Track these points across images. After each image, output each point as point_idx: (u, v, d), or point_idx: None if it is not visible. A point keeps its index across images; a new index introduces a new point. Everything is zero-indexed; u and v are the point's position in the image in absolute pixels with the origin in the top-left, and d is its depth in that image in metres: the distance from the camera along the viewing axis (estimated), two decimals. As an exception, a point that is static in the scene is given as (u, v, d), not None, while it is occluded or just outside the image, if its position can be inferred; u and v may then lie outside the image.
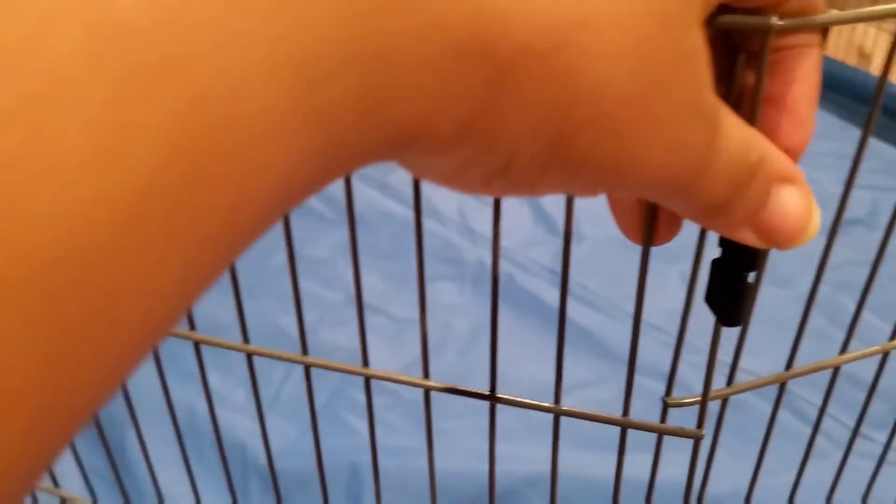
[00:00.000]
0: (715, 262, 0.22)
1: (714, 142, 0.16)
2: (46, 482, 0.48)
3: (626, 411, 0.29)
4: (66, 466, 0.64)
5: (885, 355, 0.33)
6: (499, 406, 0.88)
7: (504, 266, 0.96)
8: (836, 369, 0.32)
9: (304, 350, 0.33)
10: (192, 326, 0.34)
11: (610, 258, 0.96)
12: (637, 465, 0.61)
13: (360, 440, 0.80)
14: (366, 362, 0.32)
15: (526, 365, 0.84)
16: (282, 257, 1.01)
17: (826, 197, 1.09)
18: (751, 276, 0.21)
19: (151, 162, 0.10)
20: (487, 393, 0.30)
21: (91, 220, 0.10)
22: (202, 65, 0.10)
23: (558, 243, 1.00)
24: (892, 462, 0.49)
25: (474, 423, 0.79)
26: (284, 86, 0.11)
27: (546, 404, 0.30)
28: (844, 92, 1.18)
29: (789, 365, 0.30)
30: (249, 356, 0.34)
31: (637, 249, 0.24)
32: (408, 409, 0.83)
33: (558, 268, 0.97)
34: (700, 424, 0.28)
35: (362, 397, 0.86)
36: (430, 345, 1.04)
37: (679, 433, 0.28)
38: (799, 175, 0.19)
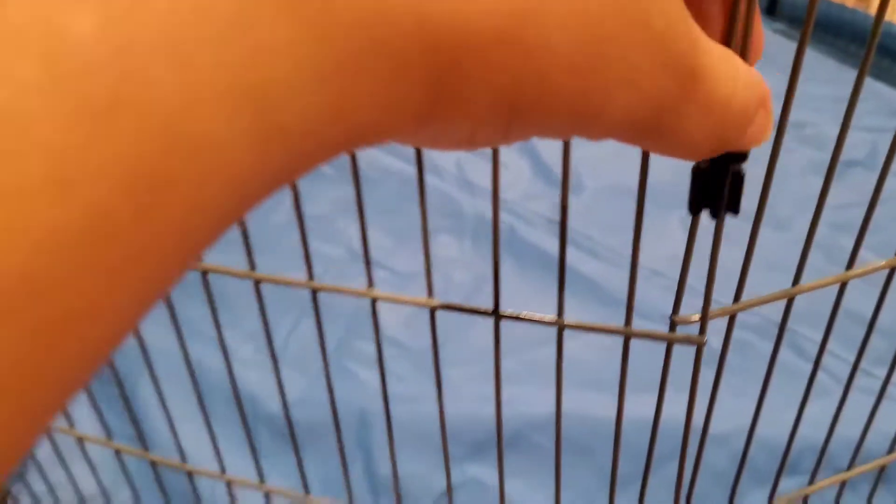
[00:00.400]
0: (698, 168, 0.22)
1: (691, 84, 0.16)
2: (62, 423, 0.49)
3: (628, 321, 0.30)
4: (82, 410, 0.65)
5: (893, 270, 0.33)
6: (506, 353, 0.89)
7: (505, 218, 0.97)
8: (843, 286, 0.32)
9: (311, 276, 0.33)
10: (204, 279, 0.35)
11: (610, 207, 0.97)
12: (640, 405, 0.62)
13: (368, 389, 0.81)
14: (371, 283, 0.33)
15: (531, 310, 0.84)
16: (283, 215, 1.02)
17: (824, 139, 1.11)
18: (742, 167, 0.22)
19: (105, 189, 0.10)
20: (491, 310, 0.31)
21: (45, 245, 0.10)
22: (154, 93, 0.11)
23: (558, 194, 1.01)
24: (892, 397, 0.50)
25: (479, 370, 0.80)
26: (239, 110, 0.12)
27: (549, 318, 0.31)
28: (842, 34, 1.18)
29: (796, 281, 0.31)
30: (256, 283, 0.35)
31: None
32: (414, 360, 0.84)
33: (558, 218, 0.98)
34: (702, 331, 0.28)
35: (368, 348, 0.87)
36: (434, 297, 1.03)
37: (682, 339, 0.29)
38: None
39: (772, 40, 1.24)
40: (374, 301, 0.34)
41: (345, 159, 0.95)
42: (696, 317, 0.27)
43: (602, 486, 0.71)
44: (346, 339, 0.87)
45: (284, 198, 1.15)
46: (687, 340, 0.28)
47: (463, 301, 0.92)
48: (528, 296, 0.89)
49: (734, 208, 0.21)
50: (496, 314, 0.31)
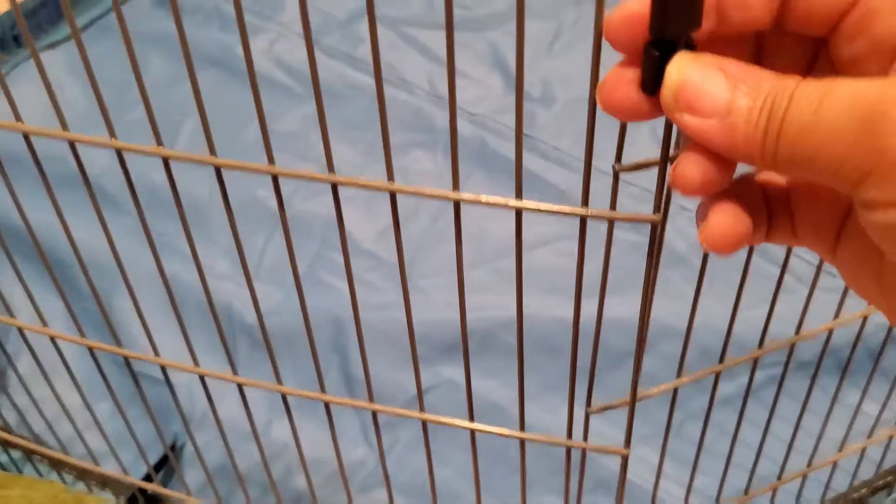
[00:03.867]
0: (649, 44, 0.22)
1: None
2: (36, 323, 0.50)
3: (584, 201, 0.31)
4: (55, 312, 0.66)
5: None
6: (477, 264, 0.90)
7: (476, 131, 0.97)
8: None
9: (271, 159, 0.34)
10: (157, 142, 0.36)
11: (580, 119, 0.97)
12: (607, 306, 0.64)
13: (342, 298, 0.82)
14: (331, 168, 0.34)
15: (501, 221, 0.86)
16: (254, 132, 1.02)
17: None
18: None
19: None
20: (452, 194, 0.32)
21: None
22: None
23: (529, 107, 1.01)
24: (854, 295, 0.52)
25: (448, 281, 0.82)
26: None
27: (507, 201, 0.32)
28: None
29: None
30: (218, 170, 0.36)
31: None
32: (388, 271, 0.86)
33: (529, 131, 0.99)
34: (657, 209, 0.30)
35: (342, 259, 0.88)
36: (404, 212, 1.06)
37: (634, 218, 0.30)
38: None
39: None
40: (334, 186, 0.35)
41: (310, 77, 0.94)
42: (646, 161, 0.28)
43: (578, 377, 0.74)
44: (320, 252, 0.88)
45: (255, 115, 1.14)
46: (640, 219, 0.29)
47: (436, 213, 0.94)
48: (499, 209, 0.90)
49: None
50: (456, 198, 0.32)
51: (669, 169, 0.23)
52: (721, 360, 0.43)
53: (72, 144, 0.37)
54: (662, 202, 0.29)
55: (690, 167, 0.21)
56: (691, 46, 0.22)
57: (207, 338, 0.60)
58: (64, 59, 1.14)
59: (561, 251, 0.84)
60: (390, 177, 0.34)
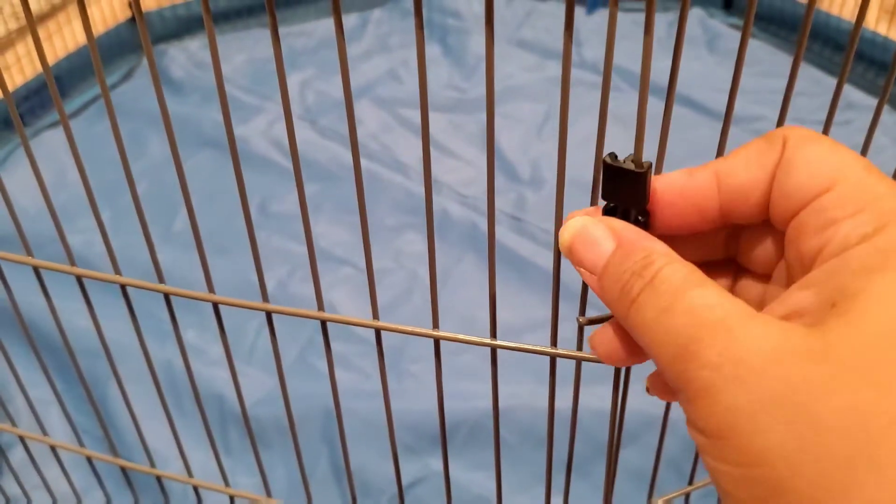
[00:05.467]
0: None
1: None
2: (36, 431, 0.51)
3: (553, 342, 0.32)
4: (53, 418, 0.67)
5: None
6: (466, 348, 0.91)
7: (466, 213, 0.99)
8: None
9: (265, 298, 0.36)
10: (160, 279, 0.37)
11: (571, 201, 0.99)
12: (594, 397, 0.65)
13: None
14: (321, 307, 0.35)
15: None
16: (252, 214, 1.03)
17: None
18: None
19: None
20: (431, 332, 0.34)
21: None
22: None
23: (520, 190, 1.03)
24: None
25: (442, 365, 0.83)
26: None
27: (484, 340, 0.33)
28: (795, 29, 1.21)
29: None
30: (216, 305, 0.37)
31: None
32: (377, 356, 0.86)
33: (520, 214, 1.00)
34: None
35: (334, 345, 0.89)
36: (398, 292, 1.07)
37: (598, 360, 0.31)
38: None
39: (728, 34, 1.27)
40: (323, 323, 0.36)
41: (308, 157, 0.98)
42: (605, 315, 0.30)
43: (559, 473, 0.74)
44: (313, 337, 0.89)
45: (251, 199, 1.15)
46: (601, 361, 0.31)
47: (425, 299, 0.94)
48: (487, 290, 0.91)
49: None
50: (435, 335, 0.33)
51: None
52: (690, 481, 0.44)
53: (80, 281, 0.39)
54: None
55: (601, 344, 0.25)
56: (644, 214, 0.24)
57: (202, 430, 0.60)
58: (64, 138, 1.16)
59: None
60: (375, 315, 0.35)
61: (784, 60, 1.18)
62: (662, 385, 0.26)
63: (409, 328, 0.35)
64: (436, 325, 0.34)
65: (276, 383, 0.88)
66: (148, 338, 0.44)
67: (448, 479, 0.43)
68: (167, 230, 0.96)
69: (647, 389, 0.27)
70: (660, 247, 0.22)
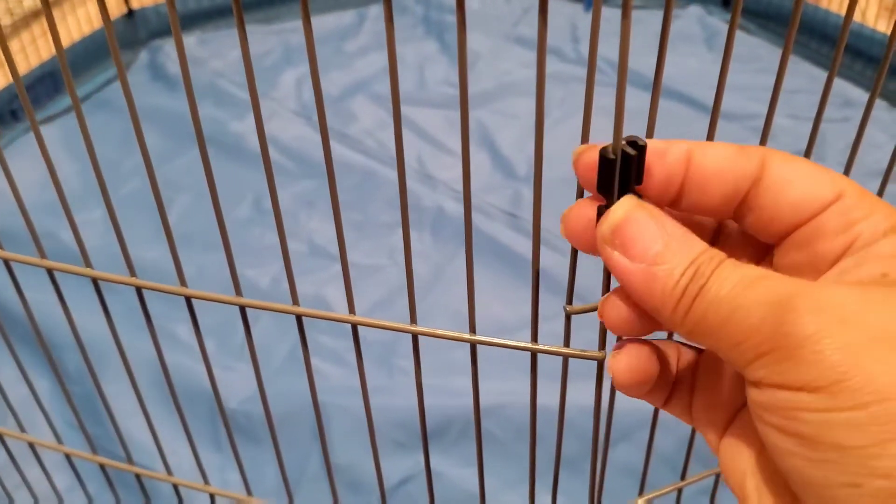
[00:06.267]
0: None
1: None
2: (14, 428, 0.51)
3: (534, 337, 0.32)
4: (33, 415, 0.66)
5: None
6: (460, 344, 0.90)
7: (462, 210, 0.98)
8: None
9: (238, 292, 0.35)
10: (132, 273, 0.36)
11: (564, 198, 0.99)
12: (586, 393, 0.64)
13: (325, 381, 0.83)
14: (296, 301, 0.35)
15: (486, 305, 0.87)
16: (245, 210, 1.03)
17: (776, 129, 1.13)
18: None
19: None
20: (409, 327, 0.33)
21: None
22: None
23: (515, 187, 1.02)
24: None
25: (434, 361, 0.82)
26: None
27: (464, 335, 0.32)
28: (800, 29, 1.20)
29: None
30: (188, 299, 0.36)
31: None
32: (371, 351, 0.86)
33: (516, 211, 1.00)
34: (601, 347, 0.30)
35: (326, 340, 0.89)
36: (392, 288, 1.06)
37: (581, 356, 0.30)
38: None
39: (726, 32, 1.26)
40: (299, 318, 0.35)
41: (304, 154, 0.97)
42: (591, 306, 0.29)
43: (551, 470, 0.73)
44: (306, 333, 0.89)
45: (246, 193, 1.15)
46: (587, 356, 0.30)
47: (424, 289, 0.94)
48: (483, 288, 0.91)
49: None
50: (413, 331, 0.32)
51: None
52: (683, 476, 0.43)
53: (139, 290, 0.38)
54: (606, 341, 0.29)
55: (613, 309, 0.23)
56: (637, 195, 0.23)
57: (191, 423, 0.60)
58: (58, 134, 1.16)
59: (545, 332, 0.84)
60: (351, 310, 0.34)
61: (775, 55, 1.17)
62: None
63: (387, 323, 0.34)
64: (413, 321, 0.33)
65: (268, 379, 0.87)
66: (140, 334, 0.44)
67: (430, 477, 0.43)
68: (160, 226, 0.95)
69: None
70: (701, 245, 0.22)
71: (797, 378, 0.18)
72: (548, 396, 0.35)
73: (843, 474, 0.18)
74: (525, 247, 0.94)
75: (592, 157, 0.23)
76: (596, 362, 0.30)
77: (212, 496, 0.48)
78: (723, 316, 0.20)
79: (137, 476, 0.48)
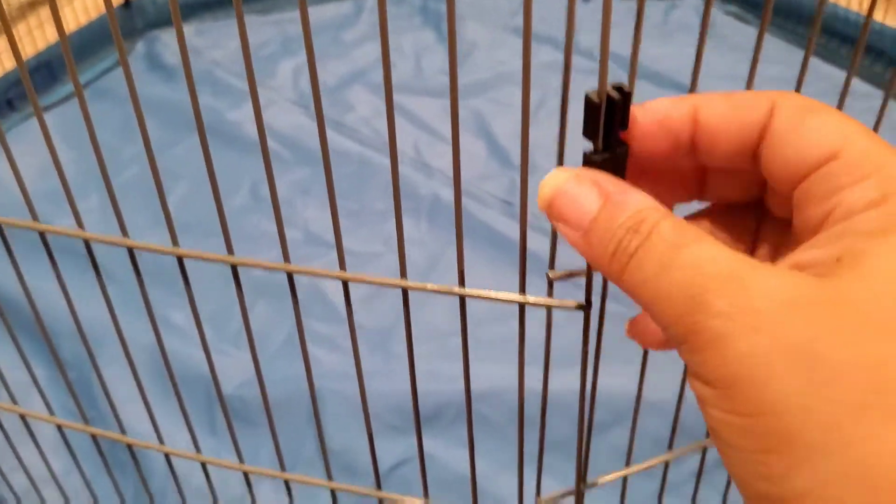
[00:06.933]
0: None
1: None
2: (5, 400, 0.50)
3: (522, 289, 0.31)
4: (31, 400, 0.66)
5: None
6: (456, 330, 0.90)
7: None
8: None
9: (230, 250, 0.35)
10: (124, 233, 0.36)
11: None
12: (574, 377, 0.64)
13: (320, 367, 0.82)
14: (286, 258, 0.34)
15: (485, 289, 0.86)
16: (242, 198, 1.03)
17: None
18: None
19: None
20: (400, 281, 0.33)
21: None
22: None
23: (512, 175, 1.02)
24: None
25: (429, 348, 0.82)
26: None
27: (453, 288, 0.32)
28: (791, 15, 1.20)
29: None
30: (180, 259, 0.36)
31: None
32: (367, 337, 0.85)
33: (512, 199, 1.00)
34: (588, 297, 0.30)
35: (322, 328, 0.88)
36: (386, 276, 1.05)
37: (564, 306, 0.30)
38: None
39: (724, 22, 1.26)
40: (290, 275, 0.35)
41: (300, 143, 0.97)
42: (577, 271, 0.29)
43: (547, 450, 0.73)
44: (303, 318, 0.88)
45: (244, 181, 1.15)
46: (570, 307, 0.30)
47: (421, 276, 0.94)
48: (479, 275, 0.90)
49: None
50: (404, 286, 0.32)
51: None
52: (670, 446, 0.43)
53: (87, 243, 0.38)
54: (591, 292, 0.29)
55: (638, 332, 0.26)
56: (622, 145, 0.23)
57: (187, 407, 0.60)
58: (55, 123, 1.15)
59: (542, 320, 0.84)
60: (342, 266, 0.34)
61: (781, 46, 1.17)
62: (643, 332, 0.25)
63: (378, 279, 0.34)
64: (403, 275, 0.33)
65: (264, 364, 0.87)
66: (137, 320, 0.43)
67: (422, 455, 0.42)
68: (159, 213, 0.95)
69: (627, 332, 0.27)
70: (649, 202, 0.21)
71: (705, 373, 0.19)
72: (538, 382, 0.35)
73: (735, 467, 0.19)
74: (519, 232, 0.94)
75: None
76: (582, 313, 0.30)
77: (203, 465, 0.47)
78: (648, 298, 0.20)
79: (129, 447, 0.48)
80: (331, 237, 0.97)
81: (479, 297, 0.32)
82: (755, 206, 0.25)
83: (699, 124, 0.23)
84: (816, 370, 0.17)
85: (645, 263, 0.20)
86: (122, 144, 1.08)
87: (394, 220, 1.04)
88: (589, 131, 0.24)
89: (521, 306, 0.31)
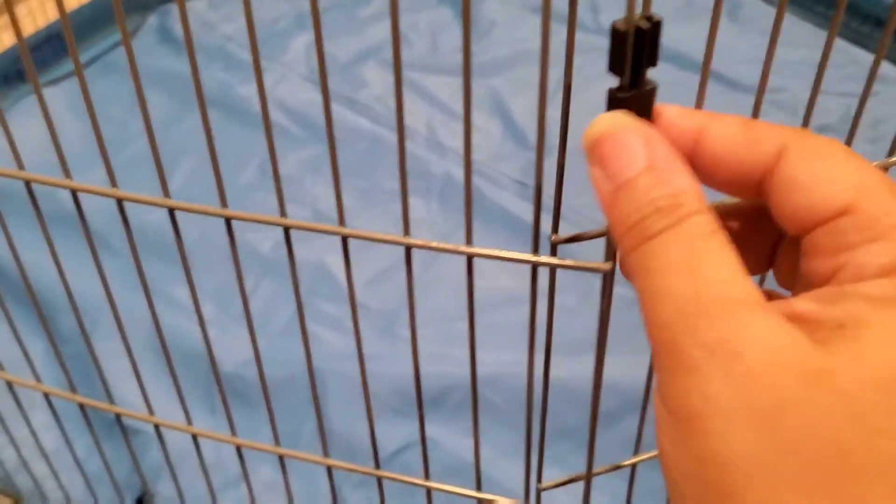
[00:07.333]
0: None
1: None
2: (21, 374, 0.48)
3: (534, 249, 0.29)
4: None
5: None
6: (462, 315, 0.87)
7: (472, 179, 0.95)
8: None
9: (224, 203, 0.32)
10: (113, 184, 0.34)
11: (580, 168, 0.95)
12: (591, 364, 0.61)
13: (325, 349, 0.80)
14: (283, 213, 0.32)
15: (493, 275, 0.83)
16: (250, 175, 1.00)
17: (799, 104, 1.10)
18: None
19: None
20: (402, 238, 0.30)
21: None
22: None
23: (527, 156, 0.99)
24: None
25: (434, 332, 0.79)
26: None
27: (459, 248, 0.30)
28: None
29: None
30: (171, 211, 0.33)
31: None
32: (372, 320, 0.83)
33: (527, 180, 0.97)
34: (608, 257, 0.27)
35: (328, 307, 0.86)
36: (395, 259, 1.03)
37: (586, 267, 0.27)
38: None
39: (751, 4, 1.22)
40: (286, 230, 0.32)
41: (311, 119, 0.94)
42: (590, 233, 0.27)
43: (556, 438, 0.70)
44: (307, 300, 0.86)
45: (253, 157, 1.12)
46: (590, 268, 0.27)
47: (428, 259, 0.91)
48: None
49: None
50: (406, 243, 0.30)
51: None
52: (636, 451, 0.40)
53: (74, 193, 0.35)
54: (614, 250, 0.26)
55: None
56: (648, 81, 0.21)
57: (189, 384, 0.57)
58: (64, 96, 1.13)
59: (558, 303, 0.81)
60: (341, 221, 0.31)
61: (808, 30, 1.14)
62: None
63: (380, 235, 0.31)
64: (406, 232, 0.30)
65: (268, 343, 0.85)
66: (137, 295, 0.41)
67: (424, 439, 0.40)
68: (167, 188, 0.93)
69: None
70: (692, 187, 0.19)
71: (668, 396, 0.18)
72: (555, 368, 0.33)
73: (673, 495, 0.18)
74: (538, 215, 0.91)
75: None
76: (602, 274, 0.27)
77: (194, 437, 0.45)
78: (646, 288, 0.19)
79: (118, 416, 0.46)
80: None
81: (486, 256, 0.29)
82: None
83: (702, 146, 0.21)
84: (776, 438, 0.16)
85: (659, 253, 0.18)
86: (130, 118, 1.06)
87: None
88: (615, 65, 0.22)
89: (534, 268, 0.28)
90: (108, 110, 1.09)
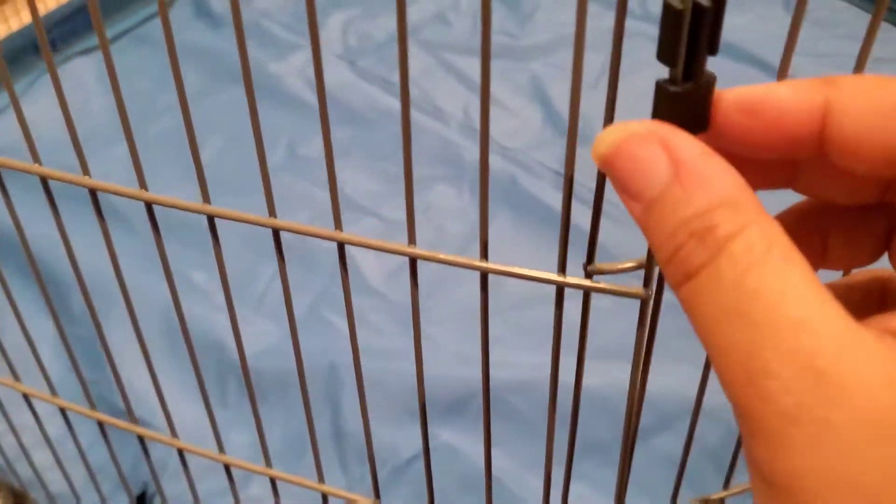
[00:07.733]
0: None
1: None
2: (6, 376, 0.45)
3: (561, 268, 0.24)
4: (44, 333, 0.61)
5: None
6: (493, 313, 0.83)
7: (506, 167, 0.91)
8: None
9: (206, 199, 0.28)
10: (143, 186, 0.30)
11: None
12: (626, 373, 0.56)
13: (342, 340, 0.76)
14: (272, 213, 0.28)
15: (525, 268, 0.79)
16: (278, 155, 0.97)
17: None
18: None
19: None
20: (406, 249, 0.26)
21: None
22: None
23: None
24: None
25: (461, 329, 0.75)
26: None
27: (473, 262, 0.26)
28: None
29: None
30: (149, 205, 0.30)
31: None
32: (395, 313, 0.79)
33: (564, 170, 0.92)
34: (646, 283, 0.23)
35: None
36: (423, 248, 0.99)
37: (618, 291, 0.23)
38: None
39: (839, 7, 1.15)
40: (276, 231, 0.29)
41: (343, 100, 0.89)
42: (629, 264, 0.22)
43: (582, 453, 0.66)
44: (327, 289, 0.82)
45: (279, 140, 1.09)
46: (627, 294, 0.23)
47: (457, 251, 0.87)
48: (522, 250, 0.83)
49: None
50: (412, 253, 0.26)
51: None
52: (726, 485, 0.36)
53: (93, 192, 0.32)
54: (653, 277, 0.22)
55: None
56: (705, 72, 0.18)
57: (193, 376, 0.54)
58: (95, 66, 1.11)
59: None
60: (338, 227, 0.27)
61: (884, 29, 1.07)
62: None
63: (381, 243, 0.27)
64: (412, 242, 0.26)
65: (283, 335, 0.81)
66: (154, 278, 0.38)
67: (427, 446, 0.36)
68: (191, 166, 0.90)
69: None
70: (731, 189, 0.16)
71: (757, 462, 0.15)
72: (587, 375, 0.29)
73: None
74: (577, 212, 0.86)
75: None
76: (639, 300, 0.23)
77: (227, 466, 0.41)
78: (701, 332, 0.16)
79: (140, 438, 0.42)
80: (366, 202, 0.90)
81: (503, 273, 0.25)
82: (884, 208, 0.19)
83: (833, 121, 0.18)
84: None
85: (704, 301, 0.15)
86: (157, 93, 1.03)
87: (436, 188, 0.97)
88: (665, 52, 0.18)
89: (560, 289, 0.24)
90: (137, 83, 1.06)
